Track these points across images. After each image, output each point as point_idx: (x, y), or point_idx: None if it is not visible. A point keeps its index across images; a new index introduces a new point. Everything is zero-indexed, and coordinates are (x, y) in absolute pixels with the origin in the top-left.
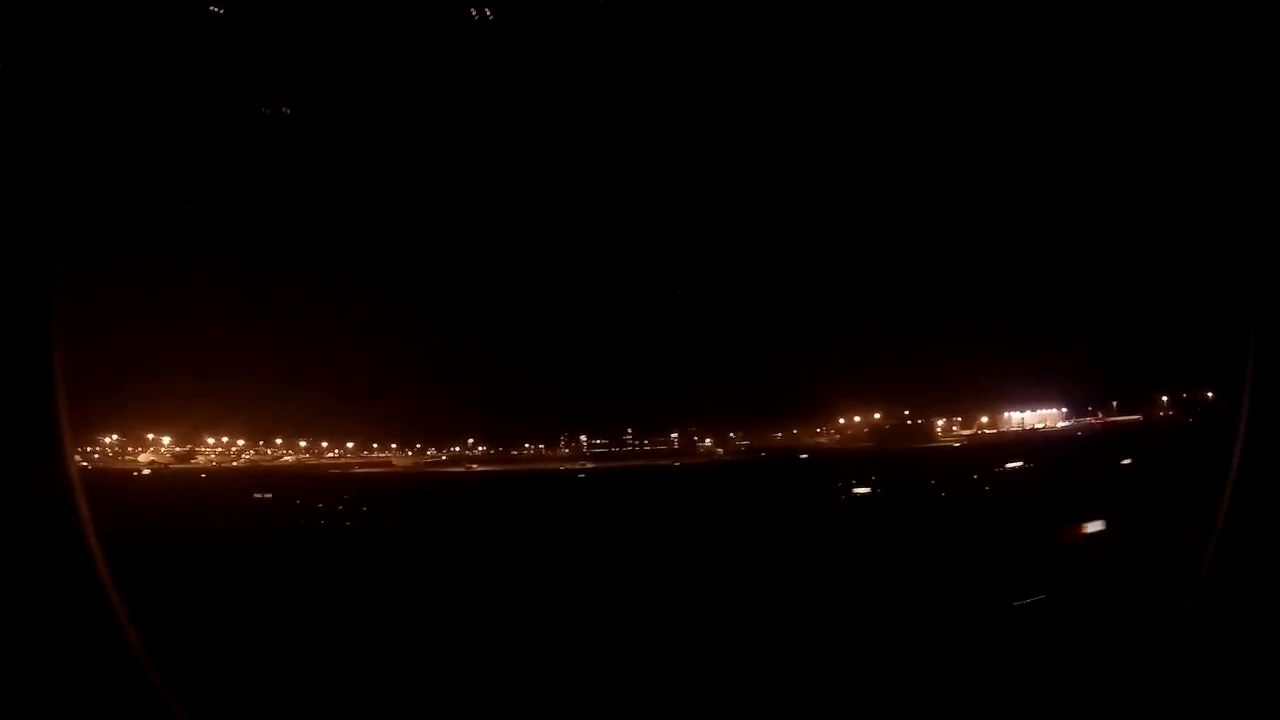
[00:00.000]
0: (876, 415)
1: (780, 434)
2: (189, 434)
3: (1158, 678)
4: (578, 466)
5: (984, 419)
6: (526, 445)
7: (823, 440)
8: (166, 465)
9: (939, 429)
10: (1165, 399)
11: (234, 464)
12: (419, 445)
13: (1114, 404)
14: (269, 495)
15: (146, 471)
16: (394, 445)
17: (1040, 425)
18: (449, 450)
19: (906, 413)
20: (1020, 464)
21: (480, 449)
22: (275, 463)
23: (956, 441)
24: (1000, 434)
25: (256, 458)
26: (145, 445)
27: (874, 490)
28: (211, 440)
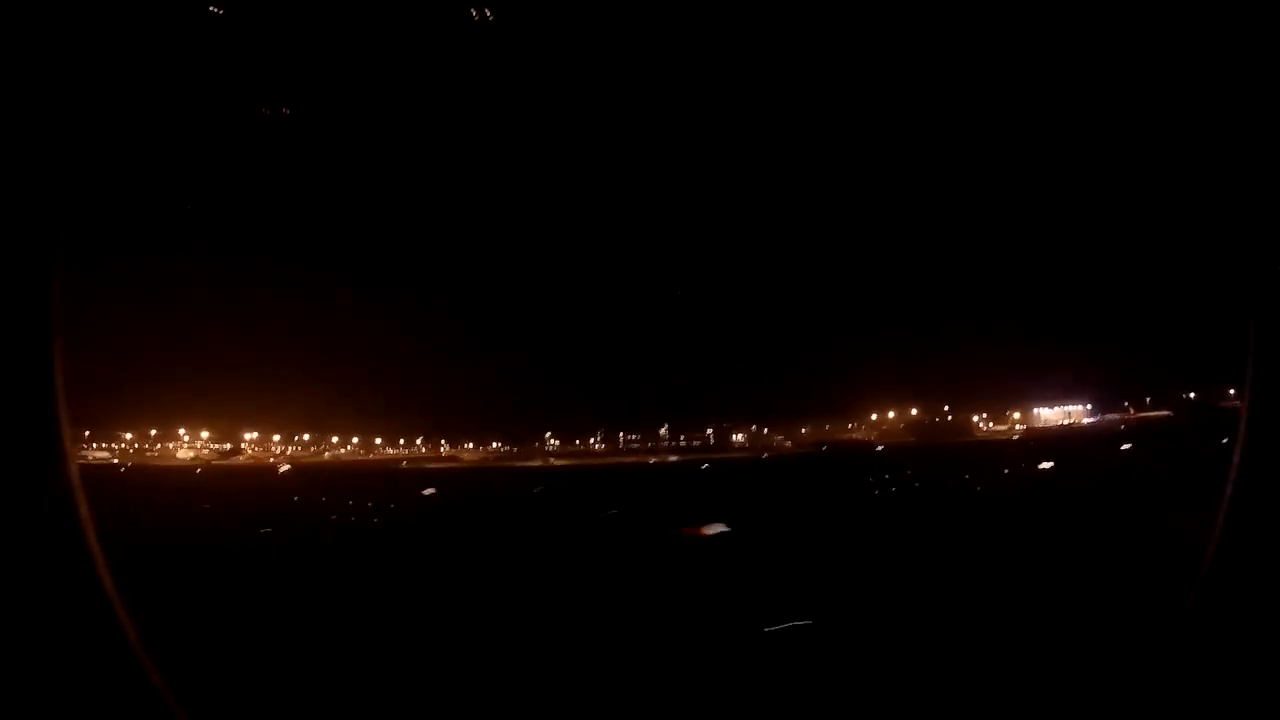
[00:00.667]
0: (914, 411)
1: (806, 429)
2: (224, 431)
3: (1158, 678)
4: (681, 460)
5: (1016, 415)
6: (553, 440)
7: (856, 435)
8: (208, 462)
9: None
10: (1193, 395)
11: (271, 460)
12: (441, 441)
13: (1146, 399)
14: (434, 491)
15: (286, 467)
16: (419, 440)
17: (1069, 421)
18: (461, 445)
19: (946, 408)
20: (1129, 445)
21: (506, 443)
22: (319, 459)
23: (1002, 437)
24: (1044, 429)
25: (298, 454)
26: (179, 441)
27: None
28: (248, 437)
